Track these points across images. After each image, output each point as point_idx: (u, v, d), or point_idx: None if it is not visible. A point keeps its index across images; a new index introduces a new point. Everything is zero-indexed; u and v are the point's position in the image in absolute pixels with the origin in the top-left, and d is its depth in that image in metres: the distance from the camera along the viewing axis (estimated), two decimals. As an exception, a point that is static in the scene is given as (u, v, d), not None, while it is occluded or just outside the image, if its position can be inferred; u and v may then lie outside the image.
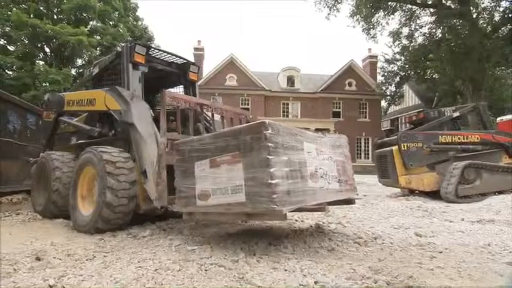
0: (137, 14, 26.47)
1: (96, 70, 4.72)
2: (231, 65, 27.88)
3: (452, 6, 18.10)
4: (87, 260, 2.45)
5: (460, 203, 6.46)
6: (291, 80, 28.94)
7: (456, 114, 8.07)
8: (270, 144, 2.41)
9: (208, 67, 29.88)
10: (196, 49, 29.07)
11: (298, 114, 28.22)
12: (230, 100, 25.35)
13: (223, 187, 2.60)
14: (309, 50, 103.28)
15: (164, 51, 4.63)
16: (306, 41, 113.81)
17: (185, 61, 4.88)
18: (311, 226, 3.81)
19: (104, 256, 2.55)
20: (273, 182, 2.35)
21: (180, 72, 4.89)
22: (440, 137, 7.50)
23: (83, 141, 4.61)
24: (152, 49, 4.50)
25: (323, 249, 2.86)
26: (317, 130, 19.19)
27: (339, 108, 28.17)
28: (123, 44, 4.33)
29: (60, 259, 2.43)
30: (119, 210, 3.31)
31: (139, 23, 26.50)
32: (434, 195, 7.24)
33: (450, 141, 7.50)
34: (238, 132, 2.61)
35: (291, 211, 2.58)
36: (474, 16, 17.34)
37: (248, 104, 27.30)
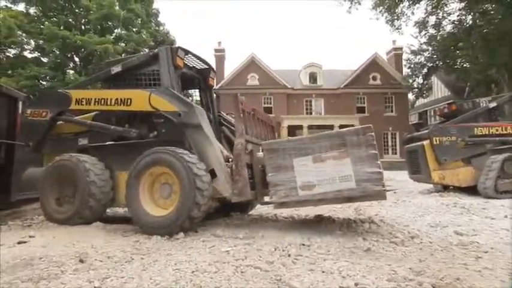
0: (159, 19, 27.17)
1: (117, 69, 4.44)
2: (252, 64, 27.89)
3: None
4: (126, 262, 2.51)
5: (500, 198, 6.10)
6: (313, 77, 28.54)
7: (493, 104, 7.63)
8: (375, 142, 3.20)
9: (229, 67, 30.06)
10: (216, 50, 29.30)
11: (321, 111, 27.79)
12: (252, 99, 25.38)
13: (329, 178, 3.23)
14: (330, 46, 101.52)
15: (197, 56, 4.73)
16: (327, 37, 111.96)
17: (207, 67, 4.99)
18: (342, 225, 3.73)
19: (141, 258, 2.61)
20: (380, 170, 3.12)
21: (200, 76, 4.99)
22: (476, 129, 7.13)
23: (117, 142, 4.39)
24: (189, 54, 4.57)
25: (358, 249, 2.80)
26: (341, 126, 18.85)
27: (363, 103, 27.43)
28: (162, 47, 4.34)
29: (101, 261, 2.52)
30: (204, 209, 3.45)
31: (161, 28, 27.16)
32: (470, 190, 6.90)
33: (487, 133, 7.11)
34: (343, 133, 3.33)
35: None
36: (508, -1, 16.32)
37: (270, 103, 27.21)
